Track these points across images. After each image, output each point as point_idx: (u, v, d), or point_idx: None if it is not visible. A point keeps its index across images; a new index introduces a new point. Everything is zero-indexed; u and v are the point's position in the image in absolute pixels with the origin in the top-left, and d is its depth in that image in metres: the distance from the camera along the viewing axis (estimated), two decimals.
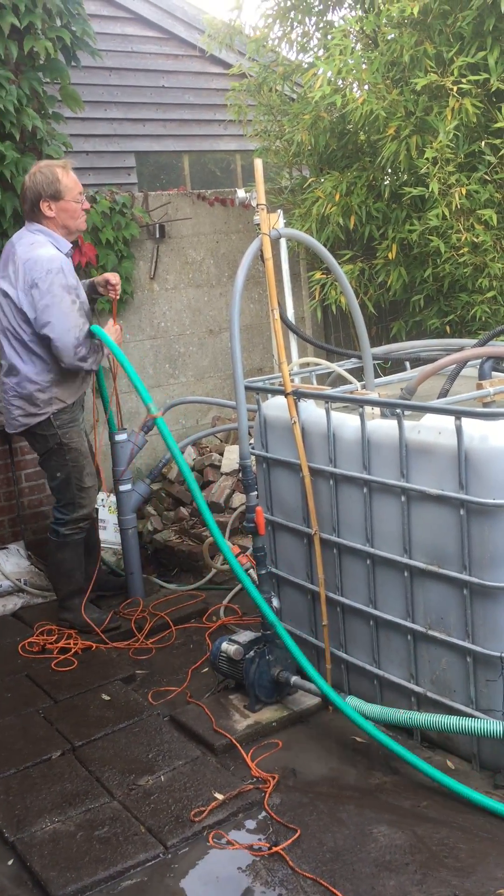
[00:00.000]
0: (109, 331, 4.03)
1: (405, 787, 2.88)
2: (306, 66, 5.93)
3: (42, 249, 3.89)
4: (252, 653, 3.34)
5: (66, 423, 4.03)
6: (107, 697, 3.55)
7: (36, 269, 3.83)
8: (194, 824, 2.73)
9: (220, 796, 2.85)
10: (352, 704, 3.05)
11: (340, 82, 5.20)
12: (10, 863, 2.68)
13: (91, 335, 3.96)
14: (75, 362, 3.89)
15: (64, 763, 3.14)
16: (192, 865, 2.60)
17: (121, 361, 3.94)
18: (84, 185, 4.65)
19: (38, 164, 4.00)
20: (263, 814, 2.78)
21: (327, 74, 5.10)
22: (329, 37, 5.23)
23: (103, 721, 3.38)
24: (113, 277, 4.15)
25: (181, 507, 5.32)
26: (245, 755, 3.08)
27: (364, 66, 5.09)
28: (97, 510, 4.47)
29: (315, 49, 5.97)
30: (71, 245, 4.06)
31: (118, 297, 4.24)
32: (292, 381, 3.42)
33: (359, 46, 5.41)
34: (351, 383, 3.63)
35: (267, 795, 2.85)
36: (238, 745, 3.14)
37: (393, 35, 5.01)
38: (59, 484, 4.11)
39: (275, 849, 2.60)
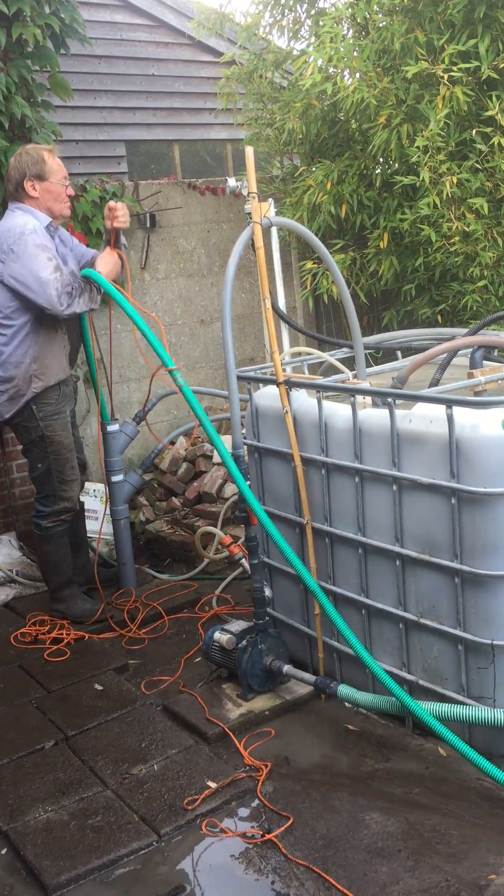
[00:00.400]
0: (105, 259, 3.93)
1: (397, 774, 2.89)
2: (297, 53, 5.90)
3: (17, 218, 3.87)
4: (244, 642, 3.34)
5: (50, 416, 4.01)
6: (99, 687, 3.56)
7: (9, 236, 3.81)
8: (187, 812, 2.74)
9: (213, 785, 2.86)
10: (344, 693, 3.06)
11: (331, 70, 5.17)
12: (3, 852, 2.68)
13: (86, 280, 3.85)
14: (66, 312, 3.80)
15: (57, 752, 3.15)
16: (185, 853, 2.61)
17: (118, 301, 3.75)
18: (74, 175, 4.63)
19: (25, 147, 3.99)
20: (256, 802, 2.80)
21: (318, 62, 5.08)
22: (320, 24, 5.20)
23: (96, 711, 3.38)
24: (114, 204, 4.02)
25: (173, 498, 5.32)
26: (238, 744, 3.09)
27: (355, 54, 5.07)
28: (82, 503, 4.45)
29: (306, 36, 5.95)
30: (50, 220, 3.95)
31: (121, 225, 4.02)
32: (284, 370, 3.41)
33: (350, 34, 5.39)
34: (342, 373, 3.63)
35: (260, 783, 2.86)
36: (231, 733, 3.15)
37: (384, 23, 4.99)
38: (39, 475, 4.09)
39: (268, 836, 2.62)
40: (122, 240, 4.14)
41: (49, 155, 3.91)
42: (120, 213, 3.99)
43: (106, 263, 3.96)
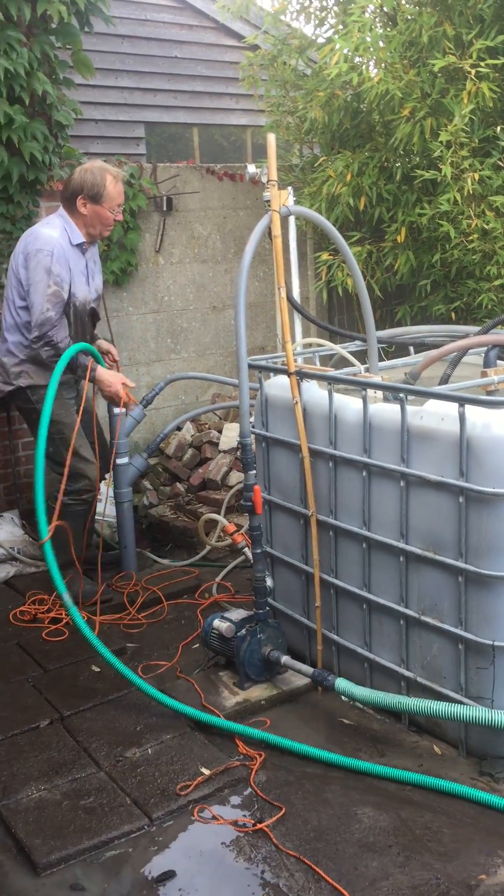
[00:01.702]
0: (110, 373, 4.10)
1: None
2: (322, 41, 5.85)
3: (47, 229, 3.99)
4: (244, 631, 3.34)
5: (43, 398, 4.03)
6: (97, 669, 3.56)
7: (32, 243, 3.95)
8: (180, 798, 2.74)
9: (206, 771, 2.86)
10: (341, 686, 3.06)
11: (357, 60, 5.13)
12: None
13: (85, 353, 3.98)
14: (34, 345, 3.94)
15: (52, 732, 3.15)
16: (175, 838, 2.61)
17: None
18: (92, 154, 4.62)
19: (94, 163, 4.08)
20: (249, 790, 2.80)
21: (344, 51, 5.04)
22: (348, 12, 5.15)
23: (92, 692, 3.38)
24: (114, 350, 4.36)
25: (178, 483, 5.31)
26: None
27: (382, 45, 5.02)
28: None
29: (333, 24, 5.89)
30: (84, 241, 4.06)
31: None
32: (295, 361, 3.39)
33: (378, 23, 5.34)
34: (354, 366, 3.61)
35: (253, 773, 2.86)
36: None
37: (413, 14, 4.94)
38: (52, 458, 4.11)
39: (259, 826, 2.62)
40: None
41: (112, 181, 3.98)
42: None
43: (111, 375, 4.08)
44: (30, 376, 4.07)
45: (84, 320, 4.15)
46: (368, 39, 4.98)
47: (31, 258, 3.91)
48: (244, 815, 2.69)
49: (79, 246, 4.05)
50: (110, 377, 4.04)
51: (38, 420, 4.02)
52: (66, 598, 3.24)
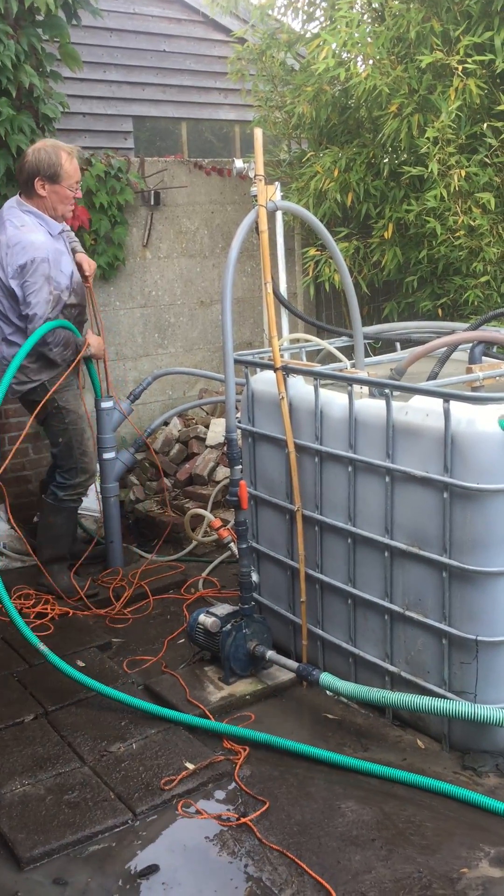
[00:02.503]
0: (96, 339, 4.13)
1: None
2: (310, 36, 5.84)
3: (32, 235, 3.87)
4: (229, 626, 3.34)
5: (62, 388, 4.04)
6: (82, 664, 3.55)
7: (25, 254, 3.81)
8: (164, 792, 2.75)
9: (190, 766, 2.86)
10: (326, 681, 3.07)
11: (345, 55, 5.12)
12: None
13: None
14: (40, 347, 3.89)
15: (36, 727, 3.14)
16: (159, 833, 2.62)
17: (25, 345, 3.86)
18: (80, 148, 4.58)
19: (45, 142, 3.98)
20: (233, 785, 2.80)
21: (332, 46, 5.03)
22: (336, 7, 5.14)
23: (77, 687, 3.37)
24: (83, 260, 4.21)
25: (164, 478, 5.30)
26: None
27: (369, 41, 5.02)
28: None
29: (321, 19, 5.88)
30: (61, 226, 4.04)
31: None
32: (282, 356, 3.39)
33: (366, 19, 5.33)
34: (341, 361, 3.61)
35: (237, 767, 2.87)
36: (211, 716, 3.15)
37: (400, 10, 4.94)
38: (61, 450, 4.13)
39: (243, 820, 2.62)
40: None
41: (67, 157, 3.91)
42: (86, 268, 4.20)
43: (97, 343, 4.15)
44: (48, 370, 4.00)
45: (82, 294, 4.13)
46: (356, 35, 4.97)
47: (28, 269, 3.80)
48: (228, 810, 2.69)
49: (59, 234, 4.01)
50: (99, 341, 4.16)
51: (56, 412, 4.06)
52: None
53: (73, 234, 4.28)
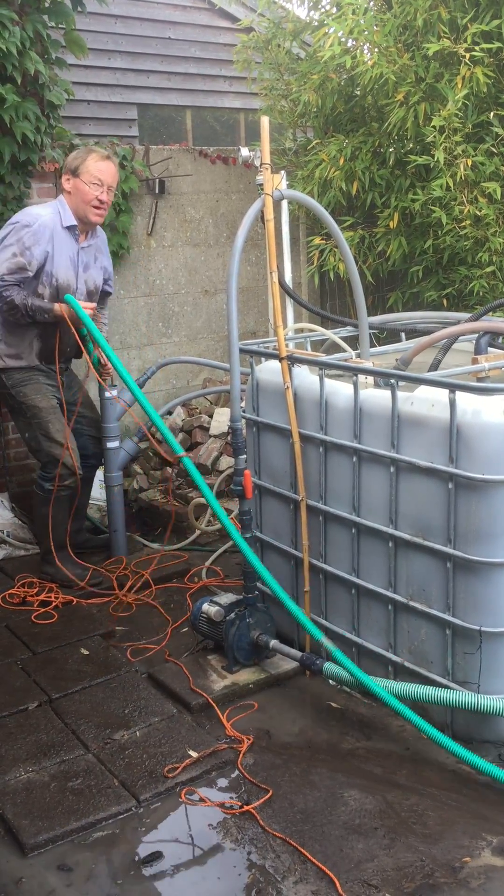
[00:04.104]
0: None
1: (378, 753, 2.91)
2: (317, 24, 5.81)
3: (38, 207, 4.10)
4: (233, 615, 3.35)
5: (20, 383, 4.10)
6: (85, 652, 3.56)
7: (17, 216, 4.02)
8: (167, 780, 2.76)
9: (194, 754, 2.87)
10: (329, 670, 3.07)
11: (351, 43, 5.09)
12: None
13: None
14: None
15: (40, 714, 3.16)
16: (163, 820, 2.63)
17: (97, 339, 3.92)
18: (84, 136, 4.59)
19: (88, 147, 4.20)
20: (236, 773, 2.81)
21: (338, 34, 5.00)
22: None
23: (81, 675, 3.39)
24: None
25: (168, 467, 5.30)
26: (221, 715, 3.11)
27: (376, 28, 4.98)
28: (91, 474, 4.48)
29: (327, 7, 5.84)
30: (76, 223, 4.06)
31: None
32: (287, 346, 3.39)
33: (372, 6, 5.30)
34: (346, 351, 3.61)
35: (241, 755, 2.88)
36: (214, 704, 3.16)
37: None
38: (29, 444, 4.22)
39: (246, 808, 2.63)
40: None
41: (96, 157, 4.01)
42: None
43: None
44: (2, 360, 4.09)
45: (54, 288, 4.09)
46: (362, 22, 4.94)
47: (9, 227, 3.98)
48: (231, 798, 2.70)
49: (70, 229, 4.03)
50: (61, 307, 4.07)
51: (18, 407, 4.12)
52: None
53: (101, 251, 4.28)
